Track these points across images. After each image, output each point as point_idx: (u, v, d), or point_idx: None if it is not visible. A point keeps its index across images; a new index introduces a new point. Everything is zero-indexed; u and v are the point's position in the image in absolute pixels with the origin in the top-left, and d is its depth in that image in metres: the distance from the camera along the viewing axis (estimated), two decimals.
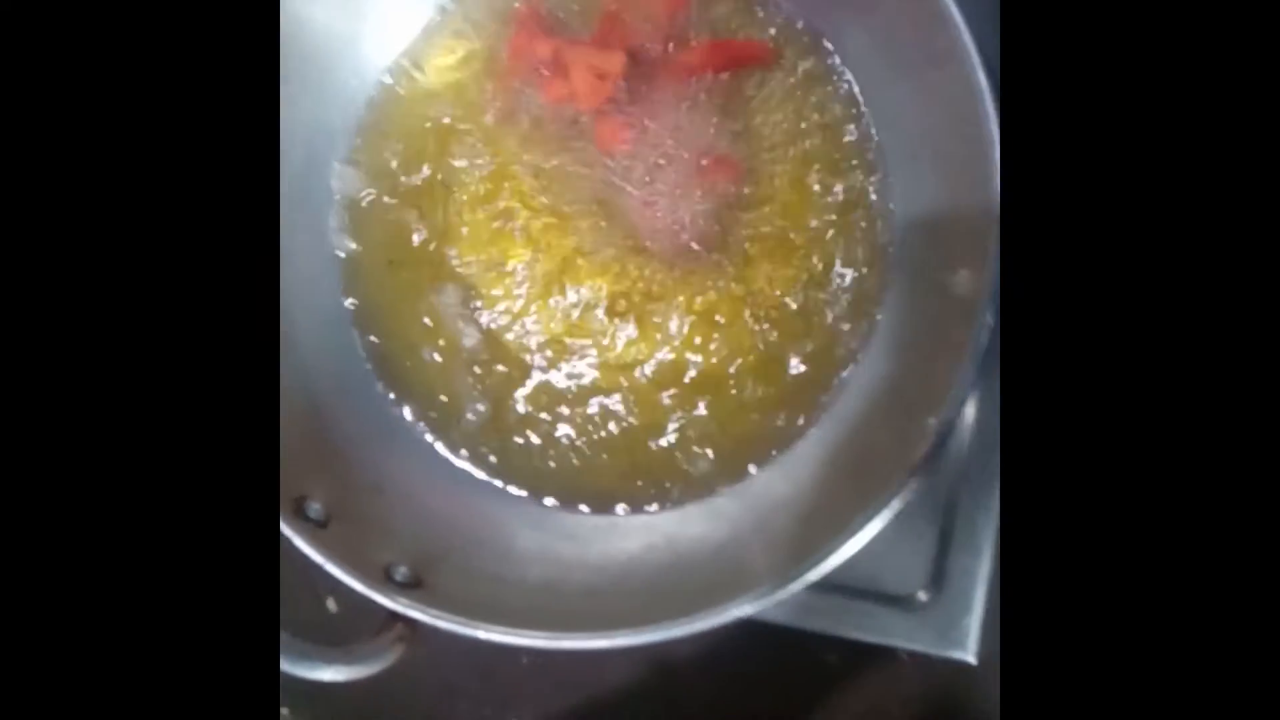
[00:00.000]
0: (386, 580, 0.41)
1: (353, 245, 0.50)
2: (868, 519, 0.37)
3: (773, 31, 0.47)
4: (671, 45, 0.46)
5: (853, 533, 0.37)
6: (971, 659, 0.48)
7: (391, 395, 0.50)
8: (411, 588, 0.41)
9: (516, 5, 0.49)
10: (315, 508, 0.41)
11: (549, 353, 0.49)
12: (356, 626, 0.39)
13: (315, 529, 0.41)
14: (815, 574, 0.38)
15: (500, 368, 0.49)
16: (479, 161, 0.50)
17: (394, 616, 0.39)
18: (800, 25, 0.47)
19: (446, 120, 0.50)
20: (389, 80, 0.51)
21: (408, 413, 0.50)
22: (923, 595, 0.49)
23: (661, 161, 0.46)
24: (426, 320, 0.50)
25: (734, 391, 0.48)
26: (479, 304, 0.49)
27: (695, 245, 0.47)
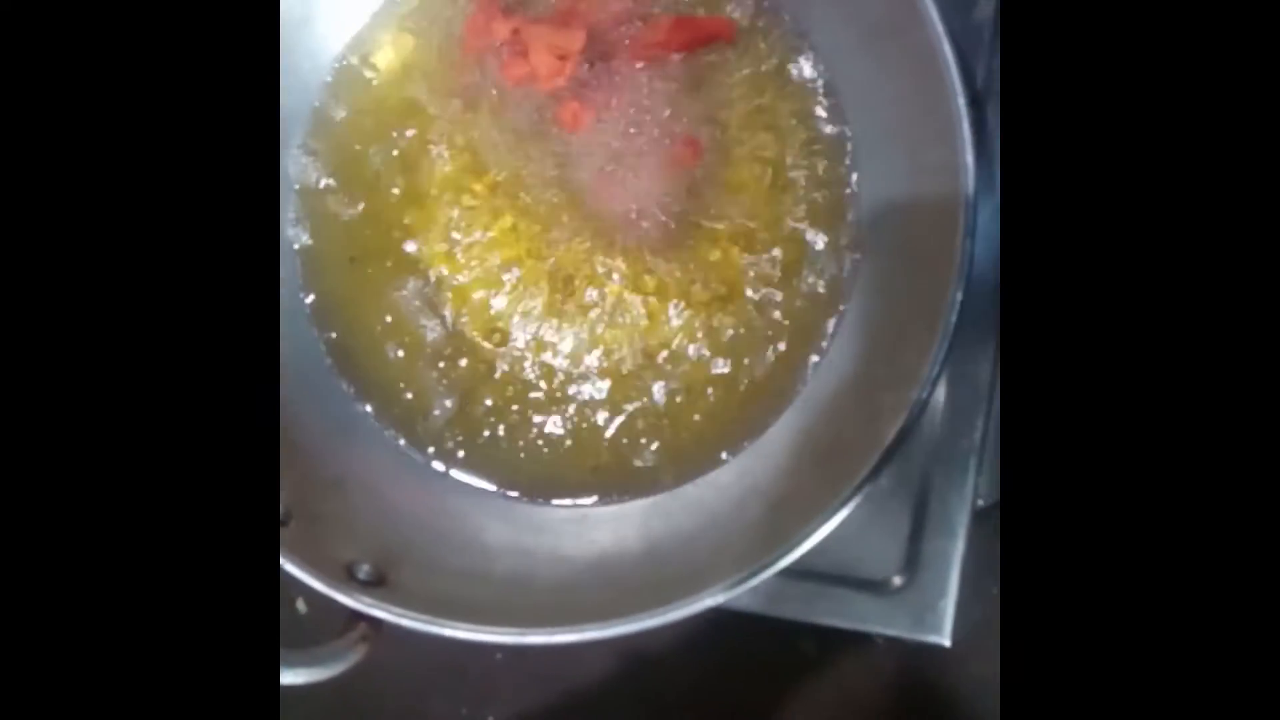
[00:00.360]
0: (349, 579, 0.39)
1: (309, 240, 0.49)
2: (841, 503, 0.36)
3: (736, 10, 0.46)
4: (635, 23, 0.45)
5: (826, 518, 0.37)
6: (946, 642, 0.48)
7: (353, 391, 0.48)
8: (374, 586, 0.40)
9: None
10: None
11: (515, 343, 0.48)
12: (326, 628, 0.38)
13: None
14: (786, 560, 0.37)
15: (464, 361, 0.48)
16: (439, 148, 0.48)
17: (357, 616, 0.38)
18: (765, 2, 0.46)
19: (405, 105, 0.49)
20: (345, 63, 0.50)
21: (370, 409, 0.48)
22: (897, 579, 0.49)
23: (624, 143, 0.45)
24: (388, 317, 0.49)
25: (703, 380, 0.47)
26: (442, 296, 0.48)
27: (659, 230, 0.46)
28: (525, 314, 0.48)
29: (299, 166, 0.49)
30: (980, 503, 0.49)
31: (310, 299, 0.49)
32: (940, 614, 0.48)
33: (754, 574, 0.37)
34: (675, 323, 0.47)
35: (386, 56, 0.49)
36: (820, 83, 0.46)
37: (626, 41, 0.45)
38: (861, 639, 0.50)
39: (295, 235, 0.49)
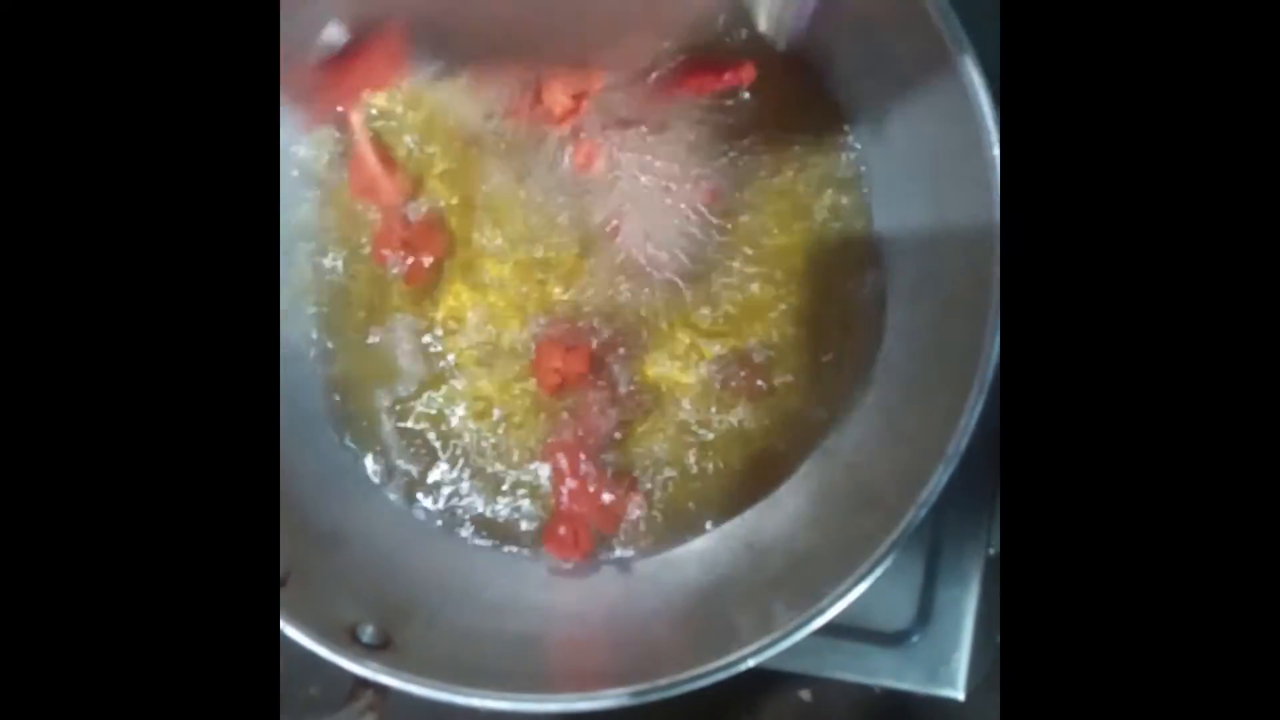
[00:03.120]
0: (352, 642, 0.37)
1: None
2: (876, 560, 0.35)
3: (755, 52, 0.45)
4: (653, 64, 0.44)
5: (860, 576, 0.35)
6: (960, 695, 0.47)
7: (348, 439, 0.46)
8: (380, 649, 0.37)
9: None
10: None
11: (515, 391, 0.46)
12: (329, 696, 0.36)
13: None
14: (822, 619, 0.36)
15: (462, 409, 0.46)
16: (443, 185, 0.47)
17: (362, 683, 0.36)
18: (786, 46, 0.46)
19: (410, 141, 0.47)
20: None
21: (368, 461, 0.46)
22: (910, 632, 0.47)
23: (638, 186, 0.44)
24: (384, 362, 0.47)
25: (721, 431, 0.45)
26: (439, 344, 0.46)
27: (675, 275, 0.44)
28: (527, 360, 0.46)
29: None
30: (993, 551, 0.48)
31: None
32: (954, 667, 0.47)
33: (787, 635, 0.35)
34: (690, 373, 0.45)
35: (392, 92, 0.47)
36: (841, 125, 0.45)
37: (644, 83, 0.43)
38: (862, 689, 0.49)
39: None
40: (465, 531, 0.46)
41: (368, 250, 0.47)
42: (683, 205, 0.44)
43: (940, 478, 0.35)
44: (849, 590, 0.35)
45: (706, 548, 0.44)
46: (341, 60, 0.34)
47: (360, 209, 0.47)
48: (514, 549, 0.46)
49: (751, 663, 0.35)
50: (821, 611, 0.35)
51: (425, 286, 0.46)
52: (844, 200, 0.45)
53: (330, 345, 0.47)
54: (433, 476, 0.46)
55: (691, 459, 0.45)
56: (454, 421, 0.46)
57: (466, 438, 0.46)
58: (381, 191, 0.45)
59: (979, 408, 0.35)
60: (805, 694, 0.53)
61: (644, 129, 0.43)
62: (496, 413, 0.46)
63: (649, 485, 0.45)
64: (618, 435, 0.45)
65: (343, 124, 0.46)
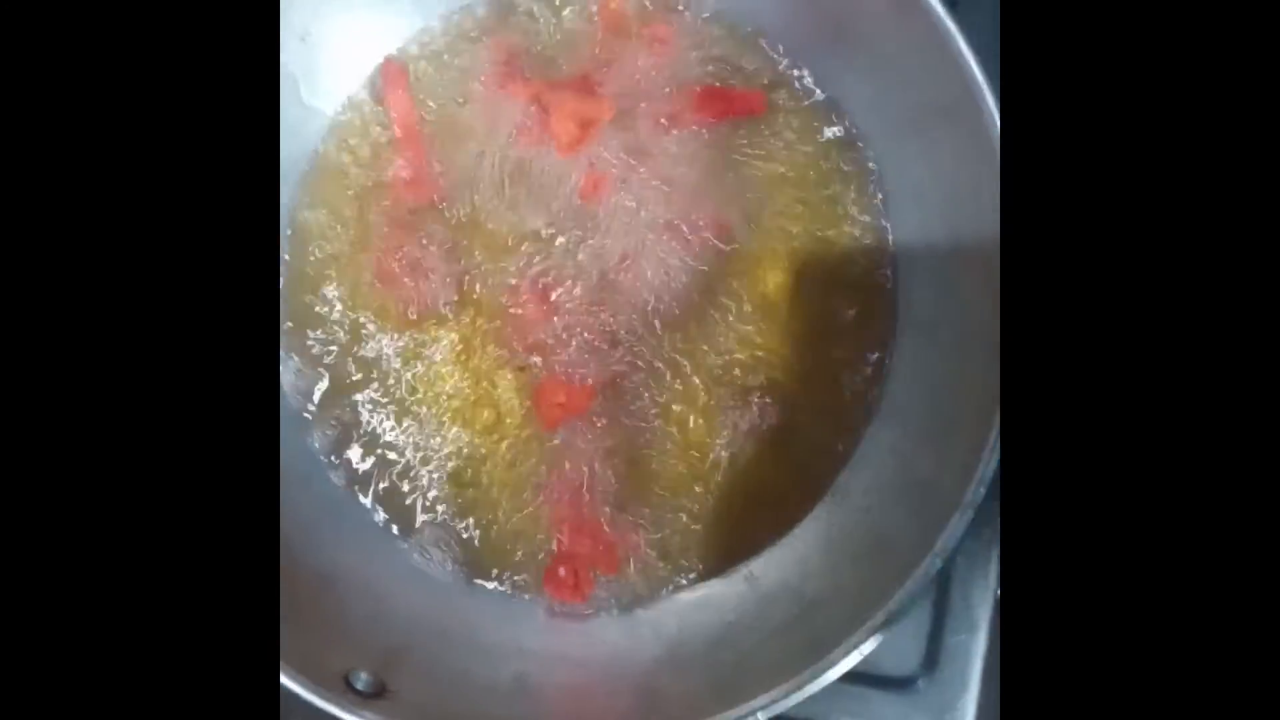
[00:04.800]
0: (347, 689, 0.35)
1: (289, 325, 0.46)
2: (892, 609, 0.34)
3: (767, 80, 0.45)
4: (662, 91, 0.43)
5: (875, 627, 0.34)
6: None
7: (343, 477, 0.45)
8: (374, 698, 0.36)
9: (488, 41, 0.45)
10: None
11: (523, 433, 0.45)
12: None
13: None
14: (832, 674, 0.34)
15: (459, 446, 0.45)
16: (440, 211, 0.45)
17: None
18: (798, 74, 0.45)
19: (405, 170, 0.46)
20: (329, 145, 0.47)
21: (361, 499, 0.45)
22: (917, 676, 0.46)
23: (645, 215, 0.43)
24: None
25: (728, 471, 0.44)
26: (426, 387, 0.45)
27: (683, 313, 0.43)
28: (526, 403, 0.44)
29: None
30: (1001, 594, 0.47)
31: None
32: (961, 712, 0.46)
33: (799, 687, 0.34)
34: (695, 414, 0.44)
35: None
36: (856, 157, 0.44)
37: (653, 111, 0.43)
38: None
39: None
40: (461, 572, 0.44)
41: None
42: (690, 238, 0.43)
43: (958, 526, 0.34)
44: (863, 640, 0.34)
45: (712, 593, 0.43)
46: None
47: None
48: (511, 591, 0.44)
49: (762, 716, 0.34)
50: (834, 663, 0.34)
51: (427, 314, 0.45)
52: (857, 234, 0.44)
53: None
54: (427, 516, 0.45)
55: (697, 500, 0.44)
56: (451, 460, 0.45)
57: (464, 476, 0.45)
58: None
59: (996, 453, 0.34)
60: None
61: (654, 158, 0.43)
62: (496, 450, 0.45)
63: (652, 526, 0.44)
64: (621, 475, 0.44)
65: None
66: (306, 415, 0.45)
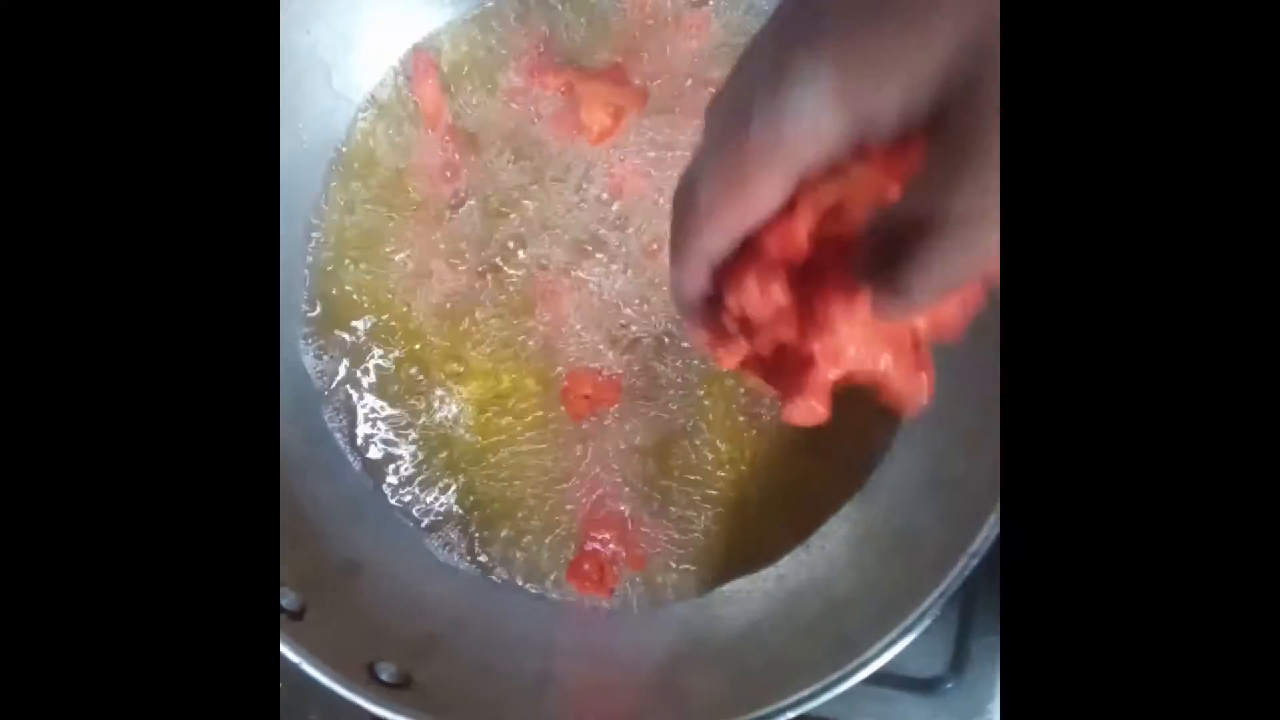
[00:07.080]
0: (371, 680, 0.35)
1: (317, 311, 0.45)
2: (924, 609, 0.34)
3: None
4: (690, 82, 0.43)
5: (908, 627, 0.34)
6: None
7: (366, 467, 0.45)
8: (400, 688, 0.36)
9: (519, 29, 0.45)
10: (287, 594, 0.36)
11: (542, 420, 0.44)
12: None
13: (289, 619, 0.35)
14: (862, 674, 0.34)
15: (485, 438, 0.44)
16: (469, 203, 0.45)
17: None
18: None
19: (433, 159, 0.45)
20: (365, 124, 0.46)
21: (387, 489, 0.45)
22: (944, 678, 0.45)
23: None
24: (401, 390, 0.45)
25: (757, 467, 0.43)
26: (453, 378, 0.45)
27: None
28: (549, 397, 0.44)
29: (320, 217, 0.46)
30: None
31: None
32: (989, 715, 0.45)
33: (828, 688, 0.33)
34: (722, 411, 0.43)
35: (420, 104, 0.46)
36: None
37: (684, 101, 0.42)
38: None
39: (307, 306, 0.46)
40: (487, 565, 0.44)
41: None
42: None
43: (992, 527, 0.33)
44: (894, 641, 0.34)
45: (739, 590, 0.43)
46: None
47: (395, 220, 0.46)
48: (537, 585, 0.44)
49: (790, 715, 0.34)
50: (865, 663, 0.34)
51: (456, 303, 0.45)
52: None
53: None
54: (452, 508, 0.44)
55: (724, 496, 0.43)
56: (476, 452, 0.45)
57: (489, 468, 0.45)
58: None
59: None
60: None
61: (684, 149, 0.42)
62: (521, 442, 0.44)
63: (678, 522, 0.44)
64: (647, 468, 0.44)
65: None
66: (331, 404, 0.45)
